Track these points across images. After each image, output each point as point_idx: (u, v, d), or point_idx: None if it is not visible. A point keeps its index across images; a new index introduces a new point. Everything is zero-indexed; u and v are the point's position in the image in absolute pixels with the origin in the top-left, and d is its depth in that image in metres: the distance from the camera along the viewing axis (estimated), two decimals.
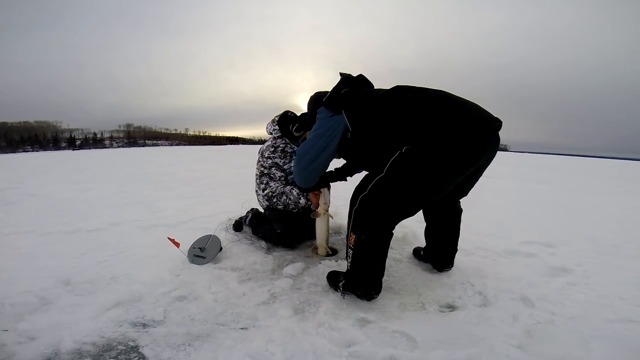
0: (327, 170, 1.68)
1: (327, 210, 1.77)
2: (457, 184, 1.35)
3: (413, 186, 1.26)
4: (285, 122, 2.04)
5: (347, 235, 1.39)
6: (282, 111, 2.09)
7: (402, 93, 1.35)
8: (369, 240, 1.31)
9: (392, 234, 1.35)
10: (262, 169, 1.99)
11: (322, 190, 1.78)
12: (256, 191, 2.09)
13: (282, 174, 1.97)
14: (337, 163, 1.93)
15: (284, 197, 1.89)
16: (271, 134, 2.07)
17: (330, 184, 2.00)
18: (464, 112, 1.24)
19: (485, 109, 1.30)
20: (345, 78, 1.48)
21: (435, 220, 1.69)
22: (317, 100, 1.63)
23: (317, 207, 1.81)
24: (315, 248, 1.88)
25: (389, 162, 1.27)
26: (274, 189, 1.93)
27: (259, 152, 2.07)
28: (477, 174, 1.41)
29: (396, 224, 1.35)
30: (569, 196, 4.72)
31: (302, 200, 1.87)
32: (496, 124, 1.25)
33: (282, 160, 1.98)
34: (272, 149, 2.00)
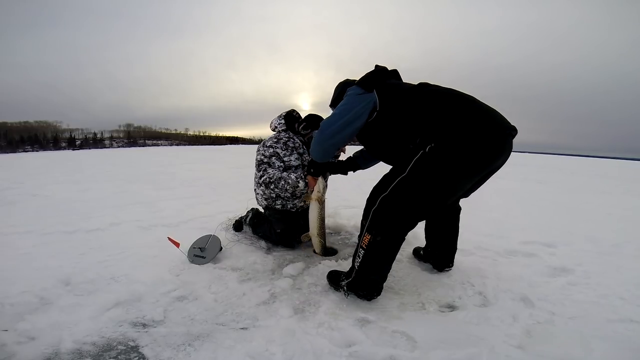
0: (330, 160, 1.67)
1: (319, 199, 1.75)
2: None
3: (436, 188, 1.25)
4: (291, 120, 2.08)
5: (360, 235, 1.37)
6: (287, 110, 2.14)
7: (431, 89, 1.37)
8: (384, 242, 1.30)
9: (405, 237, 1.35)
10: (261, 157, 1.97)
11: (320, 177, 1.75)
12: (255, 190, 2.08)
13: (281, 164, 1.95)
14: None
15: (282, 182, 1.84)
16: (275, 128, 2.09)
17: (329, 176, 2.00)
18: (489, 117, 1.26)
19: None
20: (381, 69, 1.49)
21: (434, 219, 1.69)
22: (347, 83, 1.64)
23: (311, 191, 1.77)
24: (306, 236, 1.82)
25: (412, 162, 1.25)
26: (271, 175, 1.88)
27: (258, 146, 2.07)
28: (487, 177, 1.42)
29: (413, 227, 1.35)
30: (569, 196, 4.72)
31: (301, 183, 1.81)
32: (514, 132, 1.27)
33: (283, 152, 1.97)
34: (275, 140, 2.01)
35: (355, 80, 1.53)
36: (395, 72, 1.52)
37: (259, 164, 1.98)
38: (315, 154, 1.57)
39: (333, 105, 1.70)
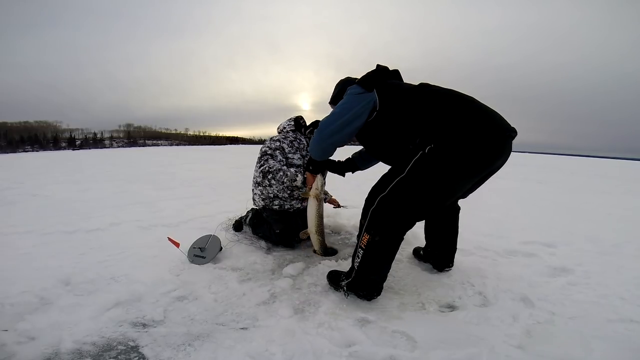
0: (330, 158, 1.66)
1: (317, 196, 1.74)
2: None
3: (434, 189, 1.25)
4: (299, 125, 2.14)
5: (359, 235, 1.37)
6: (295, 115, 2.22)
7: (431, 89, 1.37)
8: (382, 242, 1.30)
9: (404, 237, 1.35)
10: (266, 149, 1.99)
11: (318, 174, 1.74)
12: (252, 190, 2.09)
13: (283, 158, 1.97)
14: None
15: (281, 173, 1.84)
16: (284, 128, 2.12)
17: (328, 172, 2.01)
18: (488, 118, 1.26)
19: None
20: (382, 68, 1.49)
21: (434, 219, 1.69)
22: (347, 81, 1.66)
23: (309, 188, 1.76)
24: (305, 233, 1.83)
25: (410, 163, 1.25)
26: (271, 165, 1.89)
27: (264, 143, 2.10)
28: (486, 179, 1.42)
29: (411, 227, 1.35)
30: (569, 196, 4.72)
31: (300, 177, 1.81)
32: (513, 133, 1.27)
33: (289, 149, 2.00)
34: (283, 136, 2.05)
35: (356, 78, 1.54)
36: (396, 72, 1.52)
37: (262, 155, 1.99)
38: (314, 153, 1.57)
39: (333, 102, 1.70)
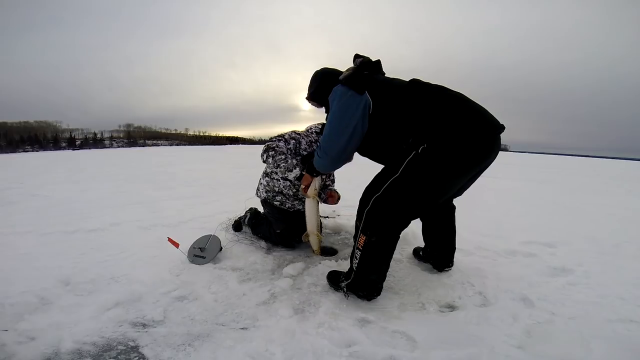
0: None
1: (315, 196, 1.74)
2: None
3: (429, 188, 1.26)
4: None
5: (356, 236, 1.37)
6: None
7: (423, 88, 1.34)
8: (379, 242, 1.30)
9: (400, 236, 1.35)
10: (283, 134, 2.01)
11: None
12: (260, 180, 2.12)
13: (293, 148, 1.97)
14: None
15: (282, 156, 1.83)
16: (310, 128, 2.12)
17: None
18: (480, 117, 1.26)
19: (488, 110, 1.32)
20: (366, 61, 1.44)
21: (430, 219, 1.69)
22: (326, 75, 1.56)
23: (306, 188, 1.76)
24: (307, 235, 1.83)
25: (404, 163, 1.25)
26: (279, 146, 1.89)
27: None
28: (478, 176, 1.42)
29: (407, 226, 1.35)
30: (569, 196, 4.72)
31: (297, 170, 1.81)
32: (502, 130, 1.28)
33: (305, 146, 2.00)
34: (306, 134, 2.05)
35: (335, 70, 1.50)
36: (378, 64, 1.46)
37: (277, 136, 2.01)
38: (322, 169, 1.54)
39: (313, 99, 1.62)
